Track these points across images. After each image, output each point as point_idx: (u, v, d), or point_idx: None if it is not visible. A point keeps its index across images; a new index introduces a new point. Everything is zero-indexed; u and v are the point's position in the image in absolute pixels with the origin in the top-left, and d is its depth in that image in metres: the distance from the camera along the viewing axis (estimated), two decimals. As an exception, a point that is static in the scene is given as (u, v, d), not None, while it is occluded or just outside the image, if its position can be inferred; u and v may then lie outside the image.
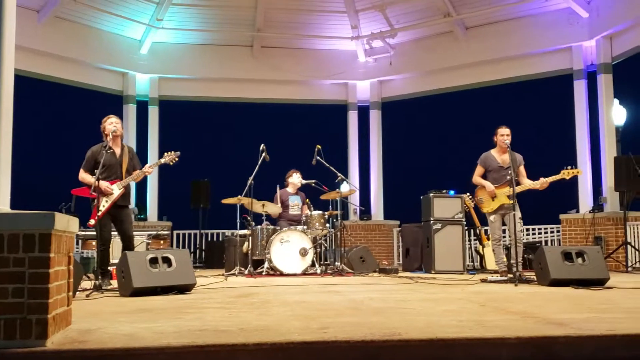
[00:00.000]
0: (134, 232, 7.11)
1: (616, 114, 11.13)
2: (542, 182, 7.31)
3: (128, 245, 6.65)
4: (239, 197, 8.95)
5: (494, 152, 7.75)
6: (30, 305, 2.74)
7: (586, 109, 11.26)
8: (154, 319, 3.76)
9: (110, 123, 6.67)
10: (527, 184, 7.45)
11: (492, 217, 7.62)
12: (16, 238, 2.76)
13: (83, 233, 9.03)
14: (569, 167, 7.34)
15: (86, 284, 6.27)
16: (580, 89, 11.33)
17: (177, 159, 7.01)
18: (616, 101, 11.25)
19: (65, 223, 2.99)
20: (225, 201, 9.23)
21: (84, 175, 6.64)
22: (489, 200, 7.62)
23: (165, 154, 7.05)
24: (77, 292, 5.42)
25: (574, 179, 10.92)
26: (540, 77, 12.19)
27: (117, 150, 6.73)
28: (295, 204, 9.93)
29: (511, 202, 7.24)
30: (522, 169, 7.60)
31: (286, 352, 2.78)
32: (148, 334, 3.06)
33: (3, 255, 2.75)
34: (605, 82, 10.94)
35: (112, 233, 6.82)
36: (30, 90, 11.52)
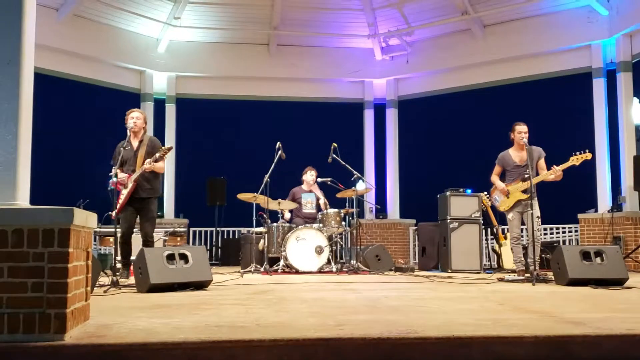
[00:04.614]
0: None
1: (636, 113, 10.98)
2: (554, 171, 7.19)
3: (146, 241, 6.70)
4: (255, 194, 8.96)
5: (511, 150, 7.67)
6: (49, 300, 2.77)
7: (605, 107, 11.12)
8: (171, 315, 3.78)
9: (132, 118, 6.79)
10: (541, 174, 7.34)
11: (510, 216, 7.56)
12: (35, 233, 2.79)
13: (100, 230, 9.11)
14: (578, 153, 7.21)
15: (104, 280, 6.32)
16: (599, 87, 11.19)
17: (167, 152, 6.86)
18: (636, 100, 11.10)
19: (84, 218, 3.02)
20: (240, 196, 9.23)
21: (116, 171, 6.70)
22: (504, 198, 7.58)
23: (160, 148, 6.94)
24: (95, 288, 5.47)
25: (593, 178, 10.88)
26: (558, 75, 12.05)
27: (135, 144, 6.83)
28: (308, 201, 9.88)
29: (527, 196, 7.19)
30: (542, 163, 7.44)
31: (302, 349, 2.78)
32: (165, 329, 3.08)
33: (22, 249, 2.78)
34: (625, 81, 10.80)
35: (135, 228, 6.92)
36: (48, 88, 11.61)
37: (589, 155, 7.21)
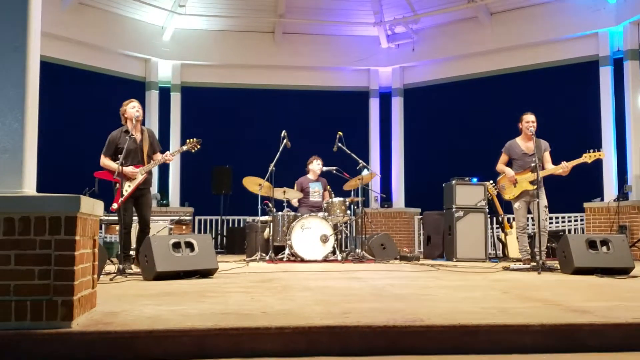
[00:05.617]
0: (156, 217, 7.15)
1: (643, 101, 10.94)
2: (563, 167, 7.19)
3: (144, 228, 6.67)
4: (260, 182, 8.96)
5: (519, 139, 7.65)
6: (56, 287, 2.78)
7: (612, 96, 11.09)
8: (178, 302, 3.80)
9: (133, 107, 6.67)
10: (549, 169, 7.35)
11: (516, 205, 7.56)
12: (42, 221, 2.79)
13: (106, 218, 9.11)
14: (591, 150, 7.19)
15: (110, 267, 6.35)
16: (606, 75, 11.14)
17: (198, 146, 6.99)
18: (643, 88, 11.06)
19: (91, 206, 3.02)
20: (246, 181, 9.19)
21: (105, 161, 6.65)
22: (511, 186, 7.57)
23: (187, 141, 7.04)
24: (101, 276, 5.49)
25: (599, 167, 10.83)
26: (565, 63, 11.99)
27: (138, 135, 6.72)
28: (316, 190, 9.91)
29: (534, 187, 7.18)
30: (547, 155, 7.46)
31: (308, 336, 2.79)
32: (172, 317, 3.09)
33: (30, 237, 2.78)
34: (632, 69, 10.75)
35: (134, 218, 6.88)
36: (53, 76, 11.60)
37: (602, 154, 7.20)
